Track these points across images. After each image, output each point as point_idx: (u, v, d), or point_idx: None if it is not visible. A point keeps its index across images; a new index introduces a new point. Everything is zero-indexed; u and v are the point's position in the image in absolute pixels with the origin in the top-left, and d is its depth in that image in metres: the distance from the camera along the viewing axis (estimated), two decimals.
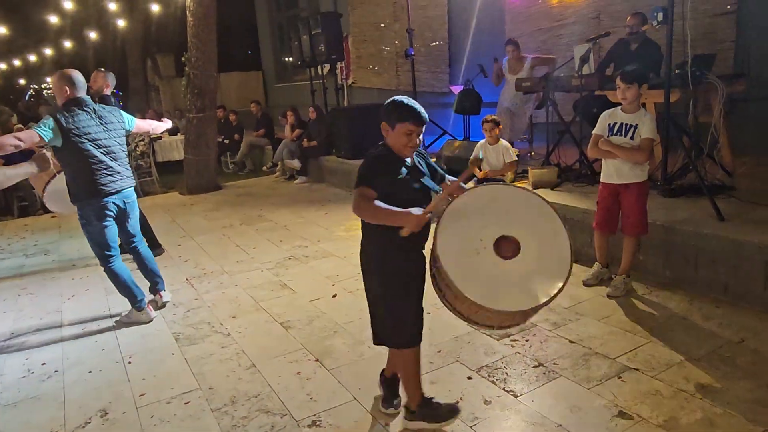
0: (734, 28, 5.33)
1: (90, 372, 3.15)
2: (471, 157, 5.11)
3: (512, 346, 3.06)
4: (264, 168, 9.93)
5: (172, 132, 11.15)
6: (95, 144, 3.50)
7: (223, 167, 10.51)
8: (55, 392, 2.96)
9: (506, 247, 2.05)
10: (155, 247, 5.37)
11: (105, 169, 3.55)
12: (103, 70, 5.21)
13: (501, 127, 5.12)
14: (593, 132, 3.59)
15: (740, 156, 4.70)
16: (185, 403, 2.75)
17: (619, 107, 3.52)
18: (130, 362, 3.24)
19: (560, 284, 2.01)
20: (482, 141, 5.14)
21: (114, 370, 3.15)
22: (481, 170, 5.02)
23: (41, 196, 4.69)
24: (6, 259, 5.60)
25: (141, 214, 5.33)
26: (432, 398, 2.42)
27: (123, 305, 4.12)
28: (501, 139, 5.08)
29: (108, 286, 4.56)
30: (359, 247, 2.36)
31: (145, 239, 5.30)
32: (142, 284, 3.90)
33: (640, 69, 3.44)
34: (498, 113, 6.38)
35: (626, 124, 3.44)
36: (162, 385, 2.94)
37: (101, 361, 3.28)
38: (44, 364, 3.29)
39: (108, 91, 5.08)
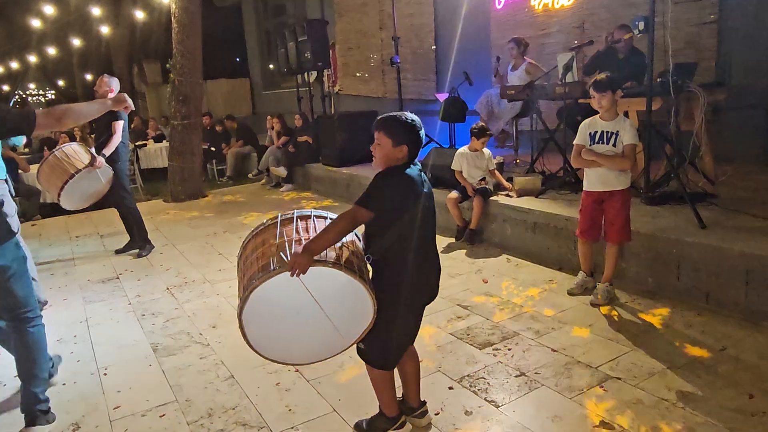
0: (715, 38, 5.39)
1: (64, 384, 3.07)
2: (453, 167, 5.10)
3: (494, 355, 3.03)
4: (249, 175, 9.87)
5: (157, 139, 11.08)
6: None
7: (210, 176, 10.42)
8: None
9: None
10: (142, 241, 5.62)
11: None
12: (106, 75, 5.34)
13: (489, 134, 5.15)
14: (575, 142, 3.60)
15: (722, 164, 4.73)
16: (160, 416, 2.69)
17: (598, 115, 3.54)
18: (105, 374, 3.17)
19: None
20: (462, 149, 5.10)
21: (89, 382, 3.08)
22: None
23: (56, 197, 4.97)
24: None
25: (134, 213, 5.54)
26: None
27: (101, 315, 4.05)
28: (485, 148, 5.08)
29: (86, 295, 4.50)
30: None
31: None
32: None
33: (612, 76, 3.47)
34: (477, 105, 6.43)
35: (607, 132, 3.45)
36: (137, 398, 2.87)
37: (76, 372, 3.20)
38: (17, 376, 3.20)
39: (112, 96, 5.17)
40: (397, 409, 2.38)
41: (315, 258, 1.94)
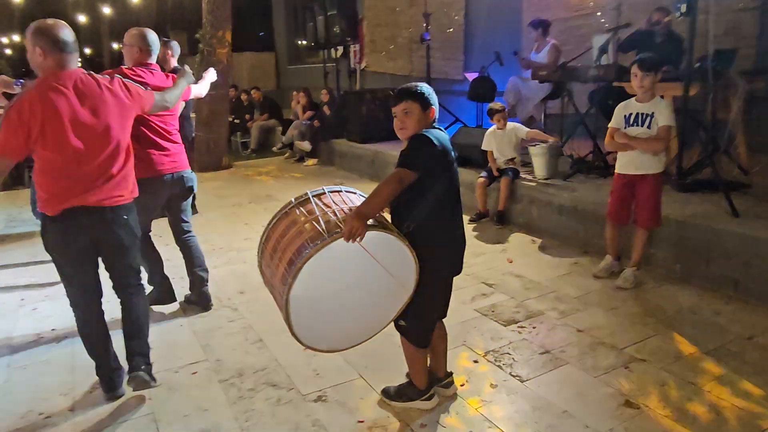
0: (757, 25, 5.24)
1: None
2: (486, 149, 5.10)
3: (519, 332, 3.06)
4: (273, 149, 9.93)
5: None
6: None
7: (234, 148, 10.50)
8: (65, 357, 2.99)
9: None
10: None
11: None
12: (166, 39, 5.25)
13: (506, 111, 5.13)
14: (609, 125, 3.57)
15: (757, 154, 4.64)
16: (193, 374, 2.78)
17: (634, 98, 3.50)
18: None
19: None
20: (491, 129, 5.09)
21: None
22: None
23: None
24: (17, 228, 5.64)
25: None
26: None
27: None
28: (508, 122, 5.06)
29: None
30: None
31: None
32: None
33: (657, 57, 3.42)
34: (505, 95, 6.36)
35: (642, 114, 3.41)
36: (170, 355, 2.96)
37: (110, 329, 3.28)
38: (54, 329, 3.32)
39: (174, 62, 5.12)
40: (428, 382, 2.43)
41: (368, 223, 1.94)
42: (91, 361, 2.78)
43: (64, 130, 2.28)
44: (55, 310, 3.59)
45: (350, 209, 2.03)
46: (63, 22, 2.35)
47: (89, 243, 2.44)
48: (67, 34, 2.33)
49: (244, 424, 2.38)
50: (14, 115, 2.21)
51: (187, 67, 3.30)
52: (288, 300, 1.95)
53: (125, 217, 2.49)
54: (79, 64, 2.53)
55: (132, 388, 2.54)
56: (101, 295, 2.60)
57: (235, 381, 2.69)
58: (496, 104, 5.11)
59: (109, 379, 2.58)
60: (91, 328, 2.57)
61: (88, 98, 2.37)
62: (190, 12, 13.77)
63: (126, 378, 2.56)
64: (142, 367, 2.55)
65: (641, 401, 2.40)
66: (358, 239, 1.91)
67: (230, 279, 4.02)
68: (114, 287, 2.64)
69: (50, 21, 2.33)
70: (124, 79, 2.56)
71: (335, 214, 2.01)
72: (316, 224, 1.97)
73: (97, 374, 2.60)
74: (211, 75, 3.68)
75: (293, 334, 2.06)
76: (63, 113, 2.28)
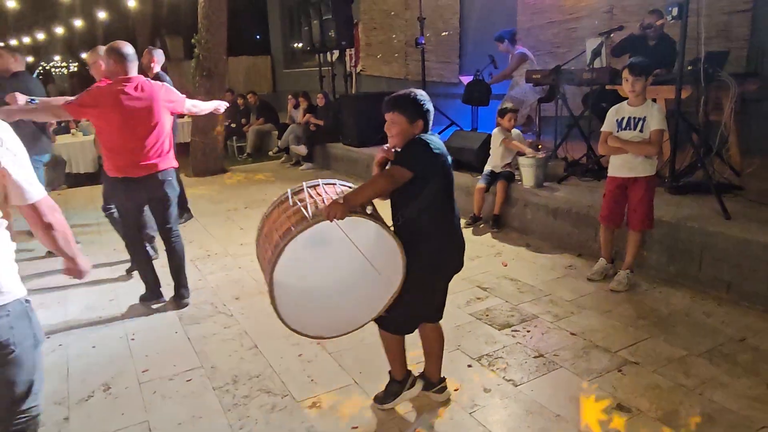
0: (749, 27, 5.28)
1: (94, 347, 3.18)
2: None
3: (513, 336, 3.07)
4: (269, 153, 9.93)
5: (178, 114, 11.16)
6: None
7: (230, 152, 10.50)
8: (59, 365, 2.99)
9: None
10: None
11: None
12: (151, 46, 5.38)
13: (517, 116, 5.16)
14: (602, 129, 3.59)
15: (749, 156, 4.67)
16: (187, 381, 2.78)
17: (626, 102, 3.52)
18: (133, 339, 3.27)
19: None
20: (496, 130, 5.08)
21: (117, 346, 3.18)
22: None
23: None
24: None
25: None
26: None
27: (128, 283, 4.15)
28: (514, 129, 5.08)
29: (113, 263, 4.60)
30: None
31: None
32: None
33: (647, 61, 3.44)
34: (504, 100, 6.41)
35: (634, 118, 3.44)
36: (164, 362, 2.97)
37: (105, 336, 3.31)
38: (48, 337, 3.32)
39: (157, 68, 5.19)
40: (405, 371, 2.46)
41: (350, 209, 1.98)
42: (85, 368, 2.84)
43: (119, 117, 3.23)
44: (50, 318, 3.59)
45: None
46: (124, 42, 3.36)
47: (138, 197, 3.49)
48: (128, 49, 3.31)
49: (238, 431, 2.38)
50: (90, 93, 3.26)
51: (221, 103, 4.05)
52: (272, 279, 2.00)
53: (163, 180, 3.48)
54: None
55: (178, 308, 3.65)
56: (142, 229, 3.81)
57: (229, 388, 2.70)
58: (509, 104, 5.17)
59: (152, 292, 3.71)
60: (136, 249, 3.71)
61: (143, 97, 3.30)
62: (186, 16, 13.77)
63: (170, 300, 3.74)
64: (185, 296, 3.69)
65: (633, 404, 2.41)
66: (336, 219, 1.94)
67: (226, 285, 4.03)
68: (160, 234, 3.69)
69: (119, 41, 3.34)
70: (167, 85, 3.52)
71: (324, 202, 2.06)
72: (303, 210, 2.03)
73: (145, 284, 3.72)
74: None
75: (278, 315, 2.09)
76: (120, 107, 3.22)
